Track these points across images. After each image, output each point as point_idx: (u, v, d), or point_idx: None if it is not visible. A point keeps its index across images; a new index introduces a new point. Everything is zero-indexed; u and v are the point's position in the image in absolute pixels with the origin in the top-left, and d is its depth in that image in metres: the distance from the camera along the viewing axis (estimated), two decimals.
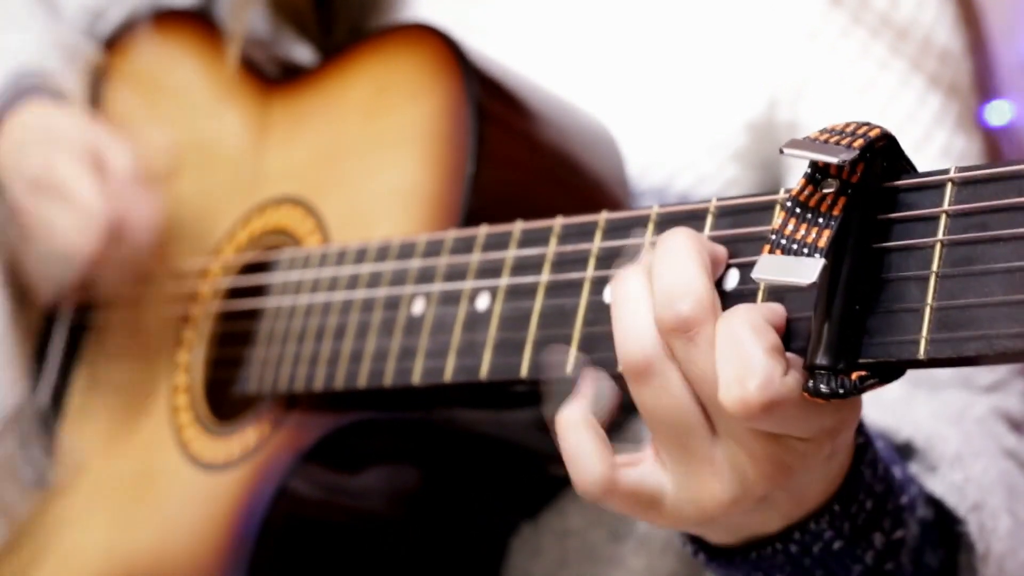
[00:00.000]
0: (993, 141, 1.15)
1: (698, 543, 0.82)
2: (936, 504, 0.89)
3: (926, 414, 0.96)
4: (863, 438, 0.79)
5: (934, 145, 1.09)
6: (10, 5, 1.39)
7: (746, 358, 0.68)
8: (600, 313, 0.82)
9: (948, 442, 0.92)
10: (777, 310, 0.71)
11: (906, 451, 0.92)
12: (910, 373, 0.70)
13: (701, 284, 0.70)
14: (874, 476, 0.80)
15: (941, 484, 0.89)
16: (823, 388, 0.68)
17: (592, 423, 0.75)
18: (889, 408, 0.96)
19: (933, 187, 0.68)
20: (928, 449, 0.91)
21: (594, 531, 1.11)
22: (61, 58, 1.33)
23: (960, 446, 0.92)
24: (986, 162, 1.12)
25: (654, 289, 0.72)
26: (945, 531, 0.89)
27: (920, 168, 0.71)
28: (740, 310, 0.70)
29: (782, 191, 0.75)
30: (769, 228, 0.70)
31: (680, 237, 0.72)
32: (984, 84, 1.15)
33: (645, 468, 0.75)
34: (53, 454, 1.30)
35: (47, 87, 1.28)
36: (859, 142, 0.68)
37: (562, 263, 0.86)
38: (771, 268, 0.68)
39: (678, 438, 0.73)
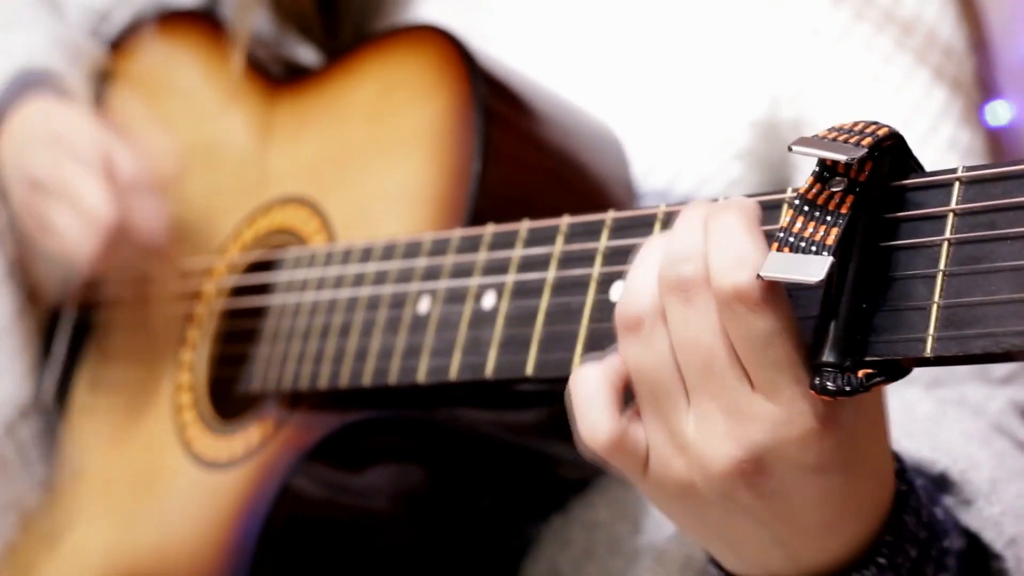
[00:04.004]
0: (995, 141, 1.15)
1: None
2: (970, 534, 0.88)
3: (957, 435, 0.95)
4: (906, 485, 0.78)
5: (940, 138, 1.09)
6: (13, 5, 1.39)
7: (742, 248, 0.68)
8: (606, 311, 0.82)
9: (981, 468, 0.91)
10: (757, 209, 0.72)
11: (941, 482, 0.91)
12: (930, 368, 0.70)
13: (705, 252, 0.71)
14: (918, 523, 0.78)
15: (977, 519, 0.88)
16: (829, 385, 0.68)
17: (611, 380, 0.75)
18: (920, 426, 0.95)
19: (940, 186, 0.69)
20: (964, 483, 0.90)
21: (619, 524, 1.10)
22: (65, 58, 1.33)
23: (993, 470, 0.91)
24: (991, 159, 1.12)
25: (664, 251, 0.72)
26: (980, 560, 0.88)
27: (926, 161, 0.71)
28: (732, 206, 0.71)
29: (789, 190, 0.75)
30: (777, 226, 0.70)
31: (700, 208, 0.73)
32: (985, 84, 1.15)
33: (635, 424, 0.75)
34: (57, 452, 1.30)
35: (51, 84, 1.28)
36: (867, 140, 0.68)
37: (568, 261, 0.86)
38: (779, 266, 0.68)
39: (655, 399, 0.73)
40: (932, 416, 0.98)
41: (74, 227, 1.16)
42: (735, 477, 0.71)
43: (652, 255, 0.74)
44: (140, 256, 1.18)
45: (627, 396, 0.75)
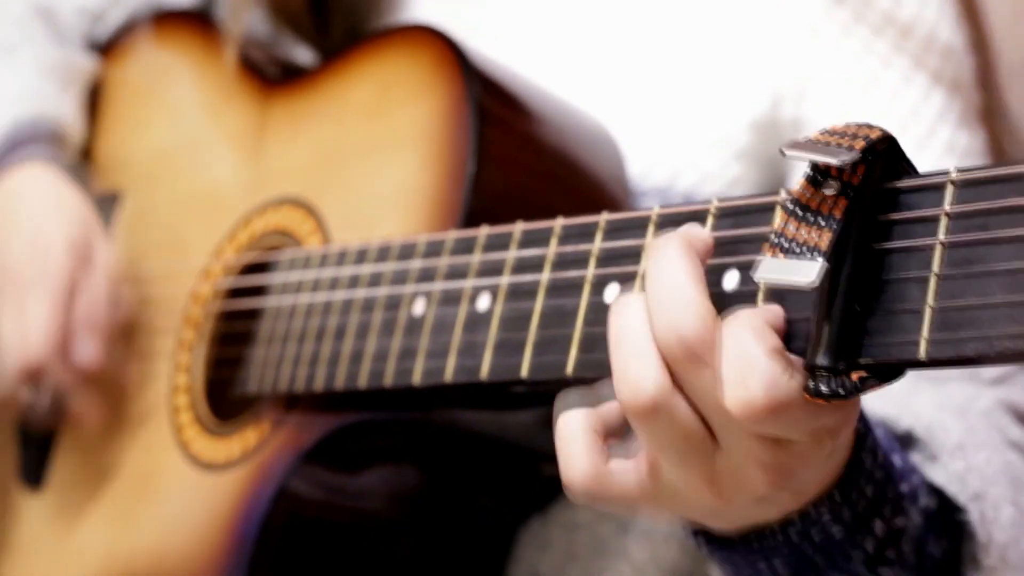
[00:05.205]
0: (996, 142, 1.15)
1: (700, 532, 0.82)
2: (938, 494, 0.89)
3: (929, 404, 0.96)
4: (863, 426, 0.79)
5: (938, 141, 1.09)
6: (4, 24, 1.40)
7: (749, 360, 0.68)
8: (600, 313, 0.82)
9: (950, 432, 0.92)
10: (777, 312, 0.71)
11: (907, 440, 0.92)
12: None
13: (701, 302, 0.69)
14: (874, 463, 0.80)
15: (942, 473, 0.89)
16: (823, 389, 0.68)
17: (592, 427, 0.76)
18: (892, 397, 0.95)
19: (933, 188, 0.68)
20: (929, 439, 0.91)
21: (603, 525, 1.11)
22: (58, 82, 1.34)
23: (962, 436, 0.92)
24: (991, 160, 1.12)
25: (652, 317, 0.70)
26: (948, 521, 0.89)
27: (923, 165, 0.71)
28: (741, 315, 0.70)
29: (783, 192, 0.75)
30: (770, 229, 0.70)
31: (671, 248, 0.71)
32: (985, 84, 1.15)
33: (633, 475, 0.76)
34: (51, 455, 1.30)
35: (43, 139, 1.30)
36: (860, 143, 0.68)
37: (562, 263, 0.86)
38: (772, 269, 0.68)
39: (681, 459, 0.73)
40: (905, 389, 0.98)
41: (12, 338, 1.19)
42: (769, 492, 0.73)
43: (636, 323, 0.71)
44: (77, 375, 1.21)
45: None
